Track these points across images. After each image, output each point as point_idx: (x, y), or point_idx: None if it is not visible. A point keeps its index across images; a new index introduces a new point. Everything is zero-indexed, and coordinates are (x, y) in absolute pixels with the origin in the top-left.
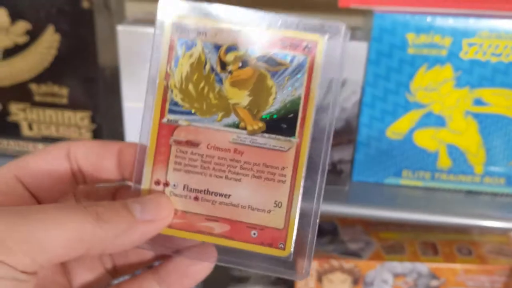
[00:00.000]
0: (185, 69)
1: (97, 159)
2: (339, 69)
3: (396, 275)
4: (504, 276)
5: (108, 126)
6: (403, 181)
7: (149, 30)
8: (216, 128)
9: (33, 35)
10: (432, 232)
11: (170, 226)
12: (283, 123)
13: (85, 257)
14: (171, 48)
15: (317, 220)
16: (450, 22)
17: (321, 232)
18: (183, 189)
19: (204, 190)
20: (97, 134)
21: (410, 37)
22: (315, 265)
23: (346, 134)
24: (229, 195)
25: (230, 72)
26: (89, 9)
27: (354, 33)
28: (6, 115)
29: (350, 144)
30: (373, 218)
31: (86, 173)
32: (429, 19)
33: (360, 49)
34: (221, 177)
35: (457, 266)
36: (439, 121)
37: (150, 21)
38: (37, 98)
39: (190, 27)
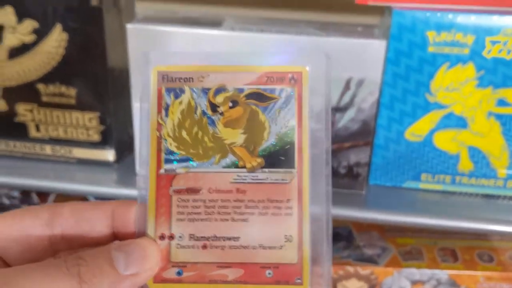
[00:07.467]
0: (177, 116)
1: (88, 224)
2: (326, 95)
3: (414, 283)
4: None
5: (117, 127)
6: (422, 185)
7: (160, 28)
8: (215, 171)
9: (41, 34)
10: (451, 238)
11: (181, 281)
12: (281, 156)
13: None
14: (159, 98)
15: (331, 248)
16: (473, 19)
17: (336, 237)
18: (190, 239)
19: (212, 237)
20: (106, 136)
21: (431, 35)
22: None
23: (363, 136)
24: (238, 238)
25: (222, 113)
26: (98, 7)
27: (372, 31)
28: (13, 115)
29: (367, 146)
30: (391, 223)
31: (72, 239)
32: (450, 16)
33: (378, 47)
34: (227, 220)
35: (478, 273)
36: (461, 123)
37: (160, 19)
38: (44, 99)
39: (176, 75)
